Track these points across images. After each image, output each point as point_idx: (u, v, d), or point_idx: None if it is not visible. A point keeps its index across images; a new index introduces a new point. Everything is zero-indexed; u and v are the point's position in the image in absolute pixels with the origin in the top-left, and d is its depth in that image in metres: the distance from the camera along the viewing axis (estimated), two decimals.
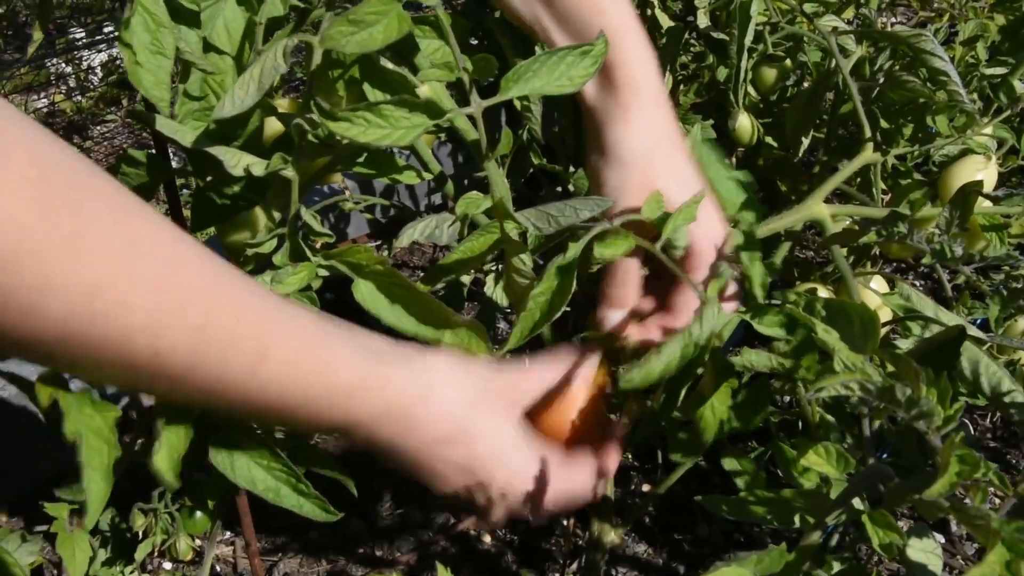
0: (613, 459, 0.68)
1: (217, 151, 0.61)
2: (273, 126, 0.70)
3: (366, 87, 0.69)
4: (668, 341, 0.68)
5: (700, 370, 0.76)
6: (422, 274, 1.72)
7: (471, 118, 0.67)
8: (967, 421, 1.20)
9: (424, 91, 0.76)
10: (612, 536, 0.90)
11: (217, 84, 0.65)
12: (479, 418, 0.61)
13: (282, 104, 0.72)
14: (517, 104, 0.91)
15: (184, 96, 0.65)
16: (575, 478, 0.66)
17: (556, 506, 0.64)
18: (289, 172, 0.63)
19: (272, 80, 0.60)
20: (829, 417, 0.73)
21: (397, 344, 0.59)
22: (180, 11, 0.68)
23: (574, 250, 0.67)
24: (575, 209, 0.70)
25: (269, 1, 0.64)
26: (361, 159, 0.68)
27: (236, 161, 0.62)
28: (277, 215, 0.67)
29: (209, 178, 0.69)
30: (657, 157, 0.70)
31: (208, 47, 0.70)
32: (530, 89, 0.66)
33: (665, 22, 1.14)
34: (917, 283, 1.46)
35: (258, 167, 0.62)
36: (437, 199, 1.76)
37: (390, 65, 0.69)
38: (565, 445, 0.67)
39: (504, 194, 0.76)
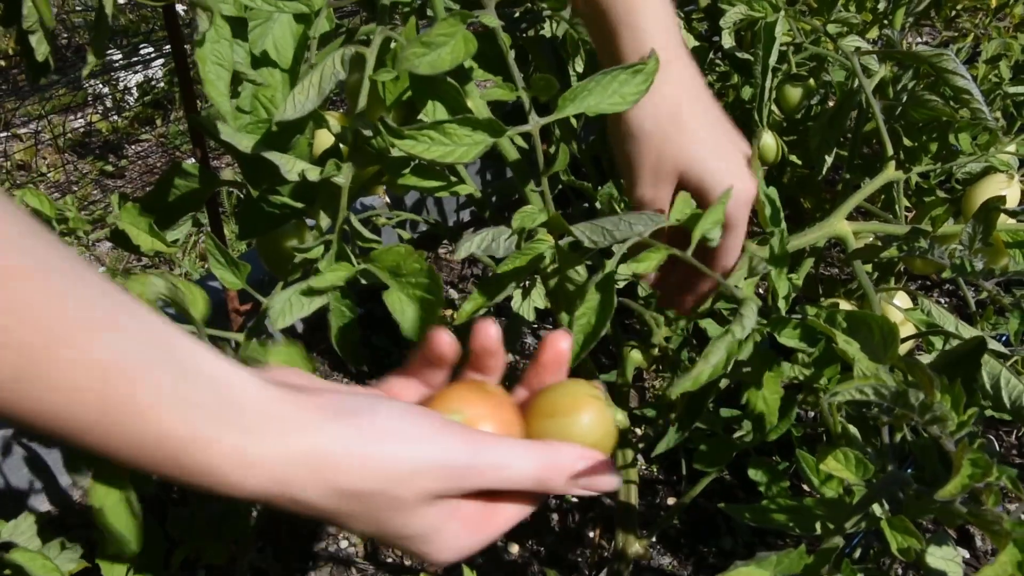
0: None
1: (273, 156, 0.64)
2: (322, 141, 0.73)
3: (431, 105, 0.71)
4: (711, 345, 0.70)
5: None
6: (451, 289, 1.74)
7: (528, 135, 0.69)
8: (992, 437, 1.20)
9: (470, 106, 0.79)
10: (637, 547, 0.92)
11: (267, 99, 0.68)
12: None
13: (332, 115, 0.75)
14: (573, 122, 0.94)
15: (236, 110, 0.68)
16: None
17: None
18: (340, 179, 0.66)
19: (331, 86, 0.63)
20: (851, 428, 0.74)
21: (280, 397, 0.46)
22: (234, 26, 0.72)
23: (610, 265, 0.70)
24: (629, 223, 0.72)
25: (320, 18, 0.67)
26: (407, 170, 0.70)
27: (291, 167, 0.65)
28: (325, 222, 0.69)
29: (261, 188, 0.72)
30: (674, 121, 0.72)
31: (257, 63, 0.73)
32: (585, 107, 0.69)
33: (690, 42, 1.16)
34: (942, 300, 1.46)
35: (312, 173, 0.65)
36: (466, 216, 1.79)
37: (456, 85, 0.72)
38: None
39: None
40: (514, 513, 0.52)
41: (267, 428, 0.45)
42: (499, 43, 0.70)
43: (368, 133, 0.67)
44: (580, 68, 0.97)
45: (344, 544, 1.12)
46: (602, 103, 0.70)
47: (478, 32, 0.71)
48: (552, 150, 1.01)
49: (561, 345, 0.55)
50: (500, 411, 0.52)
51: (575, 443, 0.51)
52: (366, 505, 0.47)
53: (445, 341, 0.53)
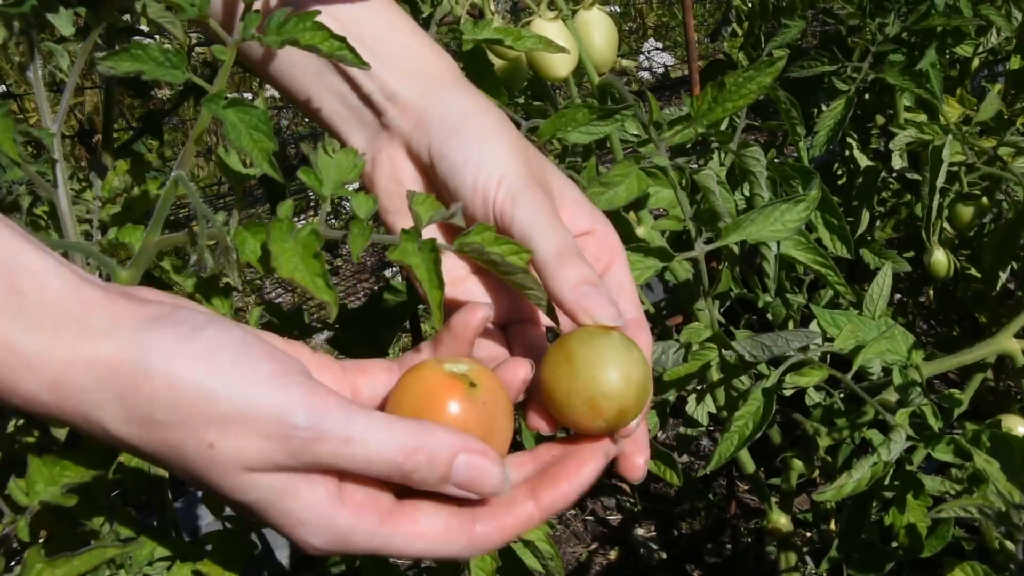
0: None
1: None
2: None
3: None
4: (858, 463, 0.75)
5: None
6: None
7: (695, 259, 0.78)
8: None
9: (641, 232, 0.88)
10: None
11: None
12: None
13: None
14: (735, 248, 1.01)
15: None
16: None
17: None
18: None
19: None
20: (1008, 544, 0.76)
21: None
22: None
23: (775, 375, 0.77)
24: (787, 340, 0.79)
25: None
26: None
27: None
28: None
29: None
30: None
31: None
32: (746, 235, 0.77)
33: (863, 161, 1.21)
34: None
35: None
36: None
37: (628, 218, 0.82)
38: None
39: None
40: (432, 529, 0.39)
41: (60, 327, 0.37)
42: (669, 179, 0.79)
43: None
44: (747, 192, 1.04)
45: None
46: (763, 231, 0.78)
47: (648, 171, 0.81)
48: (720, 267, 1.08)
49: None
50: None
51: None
52: (172, 447, 0.37)
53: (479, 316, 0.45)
